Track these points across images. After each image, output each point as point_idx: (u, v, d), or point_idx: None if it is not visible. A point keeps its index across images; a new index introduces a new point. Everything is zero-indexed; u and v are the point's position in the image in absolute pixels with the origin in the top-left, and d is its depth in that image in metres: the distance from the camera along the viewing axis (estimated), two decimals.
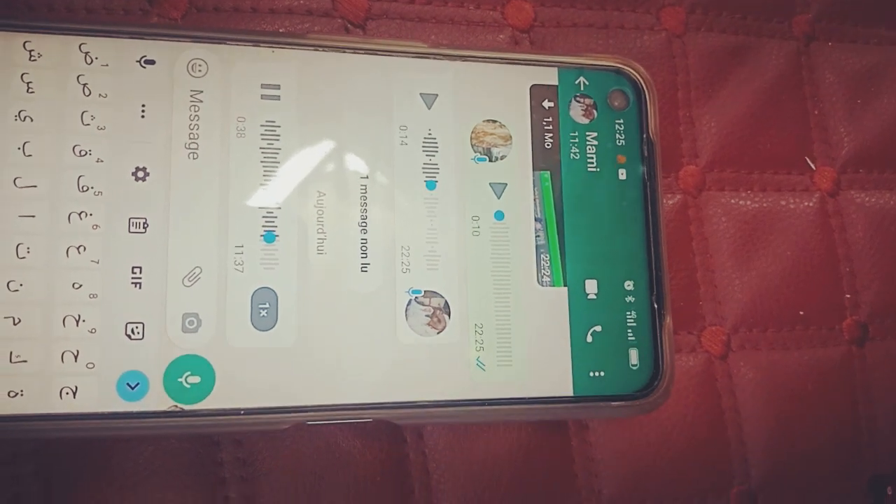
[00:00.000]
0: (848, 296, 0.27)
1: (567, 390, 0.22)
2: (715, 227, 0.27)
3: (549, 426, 0.24)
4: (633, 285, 0.23)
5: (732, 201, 0.27)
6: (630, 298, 0.23)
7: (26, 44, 0.20)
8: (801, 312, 0.27)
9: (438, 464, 0.23)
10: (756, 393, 0.26)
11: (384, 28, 0.25)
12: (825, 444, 0.26)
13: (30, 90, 0.20)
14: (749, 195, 0.27)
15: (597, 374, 0.22)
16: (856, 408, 0.26)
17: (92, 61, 0.21)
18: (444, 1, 0.25)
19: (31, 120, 0.20)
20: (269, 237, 0.21)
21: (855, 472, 0.26)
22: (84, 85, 0.21)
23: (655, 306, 0.23)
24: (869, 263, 0.28)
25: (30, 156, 0.20)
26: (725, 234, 0.27)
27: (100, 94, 0.21)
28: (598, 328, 0.23)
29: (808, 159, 0.28)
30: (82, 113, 0.20)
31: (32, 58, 0.20)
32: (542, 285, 0.23)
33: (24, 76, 0.20)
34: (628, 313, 0.23)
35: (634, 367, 0.23)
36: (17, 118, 0.20)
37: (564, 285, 0.23)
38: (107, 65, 0.21)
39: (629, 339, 0.23)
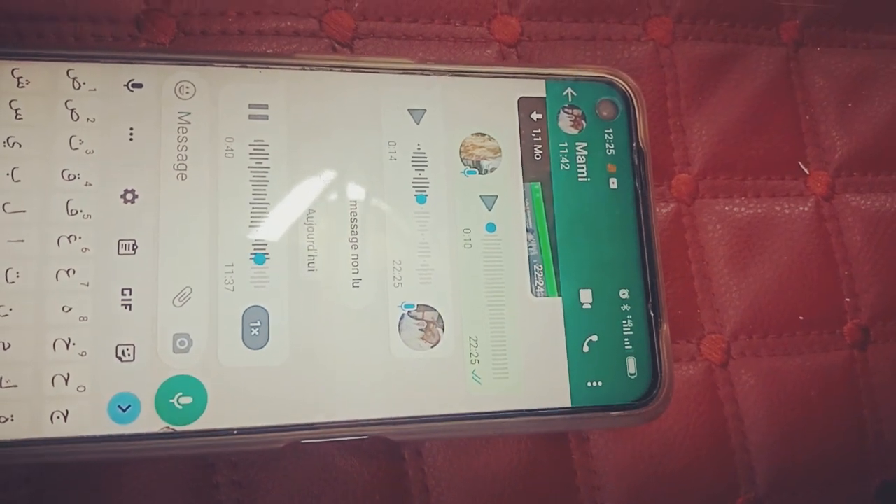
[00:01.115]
0: (848, 299, 0.27)
1: (565, 401, 0.22)
2: (710, 234, 0.27)
3: (550, 440, 0.24)
4: (629, 294, 0.23)
5: (727, 208, 0.27)
6: (626, 307, 0.23)
7: (14, 71, 0.20)
8: (801, 318, 0.26)
9: (438, 481, 0.23)
10: (758, 400, 0.26)
11: (371, 47, 0.25)
12: (831, 449, 0.26)
13: (18, 116, 0.20)
14: (743, 202, 0.27)
15: (595, 384, 0.22)
16: (860, 412, 0.26)
17: (80, 86, 0.21)
18: (430, 18, 0.25)
19: (20, 146, 0.20)
20: (260, 255, 0.21)
21: (862, 477, 0.26)
22: (72, 110, 0.21)
23: (651, 314, 0.23)
24: (868, 266, 0.27)
25: (18, 181, 0.20)
26: (721, 242, 0.26)
27: (88, 119, 0.21)
28: (595, 338, 0.22)
29: (801, 164, 0.28)
30: (71, 137, 0.20)
31: (21, 84, 0.20)
32: (536, 296, 0.22)
33: (12, 103, 0.20)
34: (624, 322, 0.23)
35: (632, 376, 0.22)
36: (6, 144, 0.20)
37: (559, 295, 0.22)
38: (95, 89, 0.21)
39: (626, 347, 0.23)
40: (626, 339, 0.23)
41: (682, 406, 0.25)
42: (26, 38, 0.22)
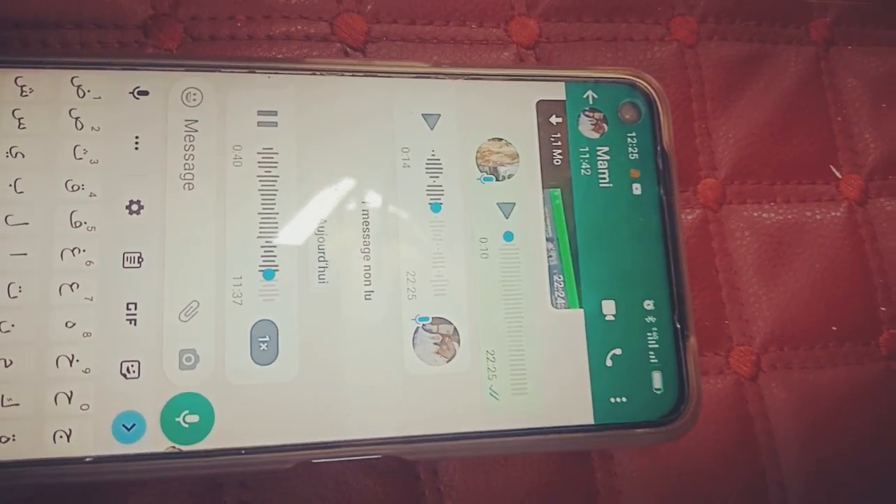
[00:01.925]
0: (883, 308, 0.26)
1: (587, 418, 0.21)
2: (738, 242, 0.25)
3: (572, 457, 0.23)
4: (654, 305, 0.22)
5: (755, 214, 0.26)
6: (650, 319, 0.22)
7: (17, 79, 0.20)
8: (834, 328, 0.25)
9: (455, 501, 0.22)
10: (790, 415, 0.24)
11: (384, 50, 0.24)
12: (868, 468, 0.24)
13: (21, 126, 0.20)
14: (772, 207, 0.26)
15: (618, 399, 0.21)
16: None
17: (84, 94, 0.20)
18: (445, 20, 0.25)
19: (23, 156, 0.20)
20: (269, 268, 0.20)
21: None
22: (76, 119, 0.20)
23: (678, 326, 0.22)
24: None
25: (21, 192, 0.19)
26: (750, 249, 0.25)
27: (92, 128, 0.20)
28: (618, 351, 0.22)
29: (832, 168, 0.27)
30: (75, 147, 0.20)
31: (24, 93, 0.20)
32: (557, 308, 0.21)
33: (15, 112, 0.20)
34: (649, 334, 0.22)
35: (658, 392, 0.21)
36: (9, 154, 0.19)
37: (580, 307, 0.22)
38: (99, 97, 0.20)
39: (651, 361, 0.22)
40: (651, 353, 0.22)
41: (710, 422, 0.24)
42: (31, 46, 0.22)
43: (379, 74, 0.22)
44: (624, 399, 0.21)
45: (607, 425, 0.21)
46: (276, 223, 0.20)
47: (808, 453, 0.24)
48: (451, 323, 0.21)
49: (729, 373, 0.24)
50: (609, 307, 0.22)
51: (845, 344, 0.25)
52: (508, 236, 0.22)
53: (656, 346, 0.22)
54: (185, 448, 0.19)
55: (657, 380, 0.22)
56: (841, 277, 0.26)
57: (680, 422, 0.21)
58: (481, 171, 0.22)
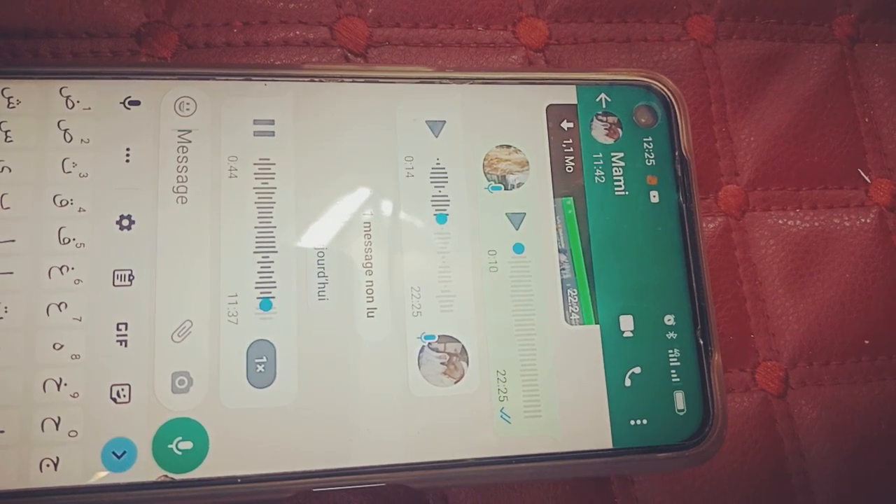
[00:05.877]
0: None
1: (605, 442, 0.20)
2: (763, 251, 0.24)
3: (590, 483, 0.22)
4: (675, 320, 0.21)
5: (780, 222, 0.24)
6: (672, 335, 0.21)
7: (4, 91, 0.19)
8: (867, 342, 0.24)
9: None
10: (821, 434, 0.23)
11: (387, 55, 0.23)
12: None
13: (8, 139, 0.19)
14: (798, 214, 0.25)
15: (638, 422, 0.20)
16: None
17: (73, 105, 0.19)
18: (450, 23, 0.24)
19: (10, 170, 0.19)
20: (266, 284, 0.19)
21: None
22: (65, 130, 0.19)
23: (701, 342, 0.21)
24: None
25: (7, 208, 0.19)
26: (775, 259, 0.24)
27: (82, 140, 0.19)
28: (638, 370, 0.20)
29: (861, 172, 0.25)
30: (63, 160, 0.19)
31: (11, 105, 0.19)
32: (571, 324, 0.20)
33: (2, 125, 0.19)
34: (671, 352, 0.21)
35: (681, 413, 0.20)
36: None
37: (596, 323, 0.20)
38: (89, 108, 0.20)
39: (673, 380, 0.20)
40: (672, 371, 0.20)
41: (736, 443, 0.22)
42: (21, 56, 0.21)
43: (381, 80, 0.21)
44: (644, 421, 0.20)
45: (627, 450, 0.20)
46: (274, 237, 0.20)
47: (841, 475, 0.23)
48: (458, 341, 0.20)
49: (755, 390, 0.23)
50: (627, 323, 0.21)
51: (878, 358, 0.24)
52: (518, 248, 0.21)
53: (678, 363, 0.21)
54: (177, 477, 0.18)
55: (679, 400, 0.20)
56: (872, 288, 0.24)
57: (704, 445, 0.20)
58: (489, 180, 0.21)
